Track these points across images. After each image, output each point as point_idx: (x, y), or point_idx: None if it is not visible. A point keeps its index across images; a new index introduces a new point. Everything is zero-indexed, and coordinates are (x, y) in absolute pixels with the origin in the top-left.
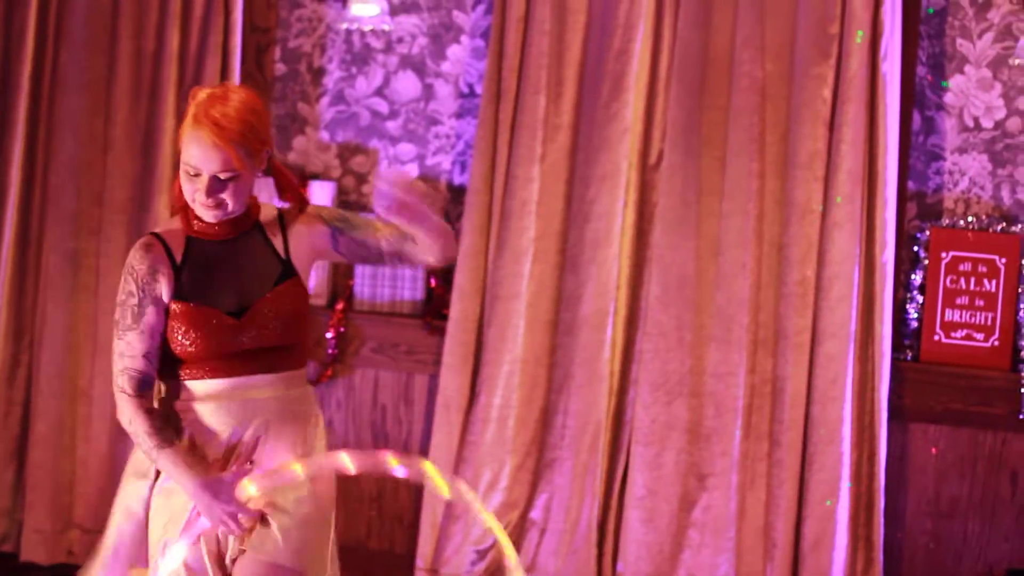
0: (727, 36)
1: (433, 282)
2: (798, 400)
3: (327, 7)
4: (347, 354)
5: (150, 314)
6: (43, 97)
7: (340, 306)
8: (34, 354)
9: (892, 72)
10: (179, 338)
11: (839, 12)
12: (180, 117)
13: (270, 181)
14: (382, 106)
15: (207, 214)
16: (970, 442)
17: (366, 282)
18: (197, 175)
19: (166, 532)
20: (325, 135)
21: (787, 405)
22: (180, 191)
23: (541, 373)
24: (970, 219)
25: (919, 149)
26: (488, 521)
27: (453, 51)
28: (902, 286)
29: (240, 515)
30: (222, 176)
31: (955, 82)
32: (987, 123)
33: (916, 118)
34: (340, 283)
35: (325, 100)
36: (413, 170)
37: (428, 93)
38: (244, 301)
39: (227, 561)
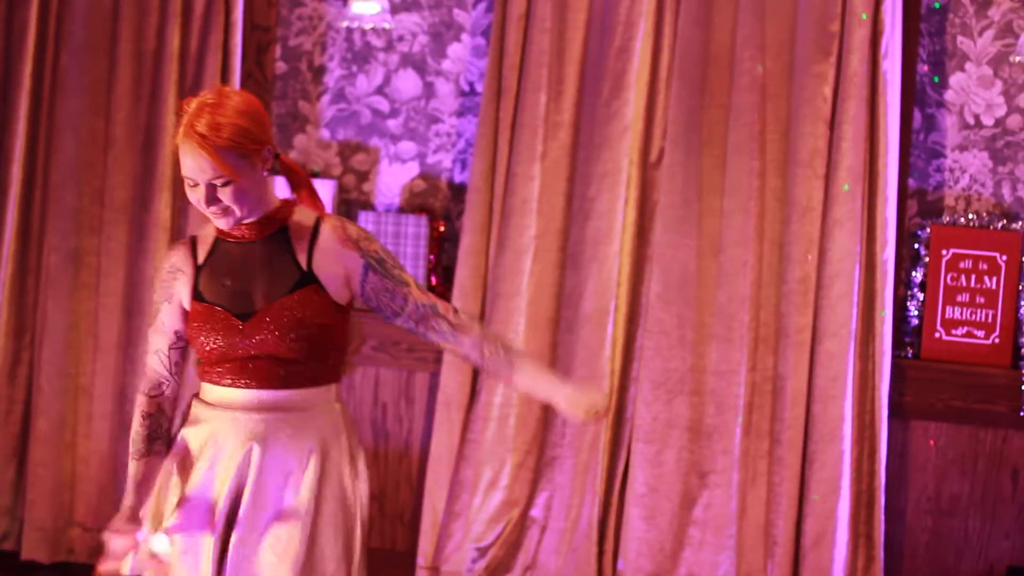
0: (728, 34)
1: (434, 280)
2: (799, 398)
3: (328, 5)
4: (348, 352)
5: (164, 312)
6: (44, 96)
7: None
8: (35, 352)
9: (893, 70)
10: (194, 336)
11: (839, 10)
12: (180, 116)
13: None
14: (383, 104)
15: (219, 222)
16: (971, 439)
17: None
18: (195, 185)
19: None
20: (326, 133)
21: (788, 403)
22: None
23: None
24: (971, 216)
25: (920, 147)
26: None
27: (454, 49)
28: (903, 283)
29: (107, 551)
30: (217, 183)
31: (956, 79)
32: (988, 120)
33: (917, 115)
34: None
35: (326, 98)
36: (414, 168)
37: (429, 91)
38: (254, 304)
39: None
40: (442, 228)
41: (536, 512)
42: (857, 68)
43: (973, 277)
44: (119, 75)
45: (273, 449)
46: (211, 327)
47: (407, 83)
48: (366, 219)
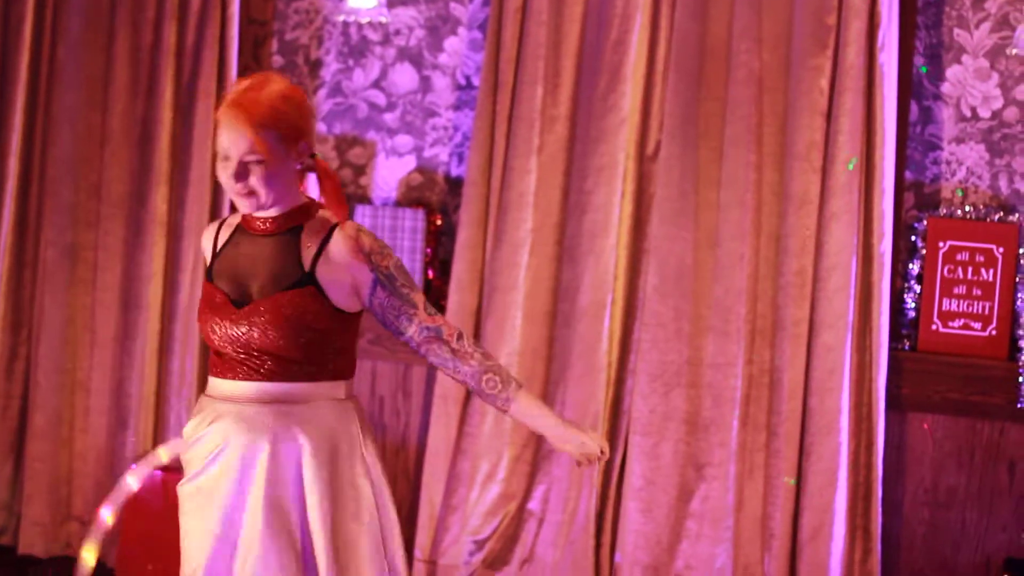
0: (724, 27)
1: (431, 274)
2: (796, 390)
3: None
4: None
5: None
6: (40, 90)
7: None
8: (32, 347)
9: (889, 62)
10: (199, 316)
11: (836, 3)
12: (177, 110)
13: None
14: (379, 98)
15: (241, 204)
16: (968, 431)
17: None
18: (227, 159)
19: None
20: (323, 127)
21: (785, 396)
22: None
23: (539, 364)
24: (968, 209)
25: (916, 139)
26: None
27: (450, 43)
28: (900, 276)
29: None
30: (248, 160)
31: (953, 72)
32: (984, 113)
33: (913, 108)
34: None
35: (322, 92)
36: (411, 162)
37: (425, 85)
38: (252, 295)
39: None
40: (439, 222)
41: (533, 505)
42: (854, 61)
43: (970, 269)
44: (116, 69)
45: (278, 440)
46: (211, 309)
47: (404, 77)
48: (363, 213)
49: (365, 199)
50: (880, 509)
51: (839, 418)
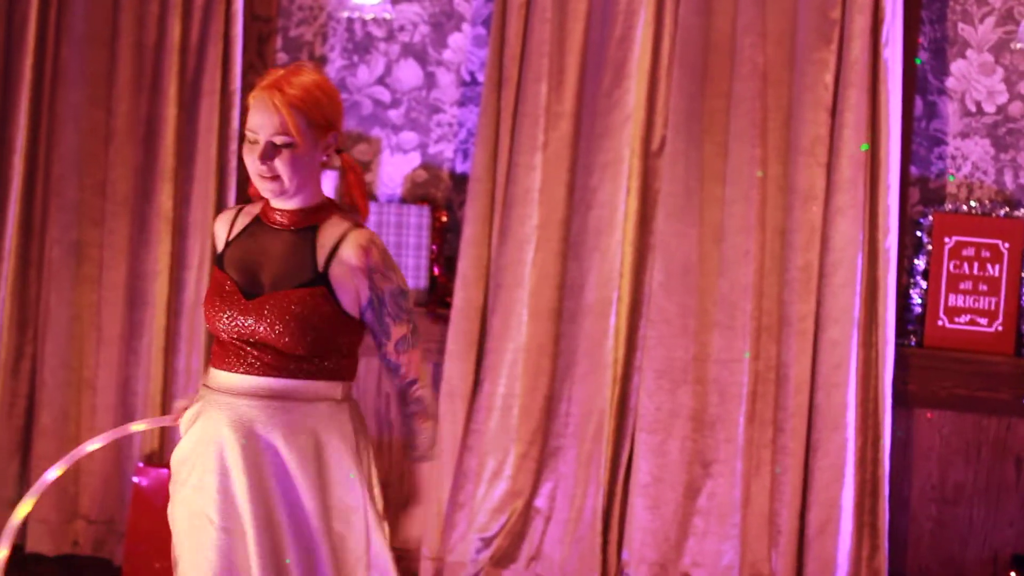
0: (728, 22)
1: (436, 270)
2: (802, 387)
3: None
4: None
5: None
6: (45, 88)
7: None
8: (38, 345)
9: (894, 57)
10: (205, 303)
11: None
12: (182, 107)
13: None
14: (384, 95)
15: (264, 187)
16: (974, 427)
17: None
18: (255, 142)
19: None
20: None
21: (791, 392)
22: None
23: (545, 361)
24: (973, 204)
25: (921, 134)
26: None
27: (454, 39)
28: (905, 271)
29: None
30: (277, 141)
31: (957, 67)
32: (989, 108)
33: (918, 103)
34: None
35: (323, 81)
36: (415, 159)
37: (430, 81)
38: (263, 288)
39: None
40: (444, 218)
41: (540, 502)
42: (858, 55)
43: (976, 265)
44: (120, 67)
45: (264, 435)
46: (220, 297)
47: (408, 73)
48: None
49: (370, 196)
50: (887, 505)
51: (846, 414)
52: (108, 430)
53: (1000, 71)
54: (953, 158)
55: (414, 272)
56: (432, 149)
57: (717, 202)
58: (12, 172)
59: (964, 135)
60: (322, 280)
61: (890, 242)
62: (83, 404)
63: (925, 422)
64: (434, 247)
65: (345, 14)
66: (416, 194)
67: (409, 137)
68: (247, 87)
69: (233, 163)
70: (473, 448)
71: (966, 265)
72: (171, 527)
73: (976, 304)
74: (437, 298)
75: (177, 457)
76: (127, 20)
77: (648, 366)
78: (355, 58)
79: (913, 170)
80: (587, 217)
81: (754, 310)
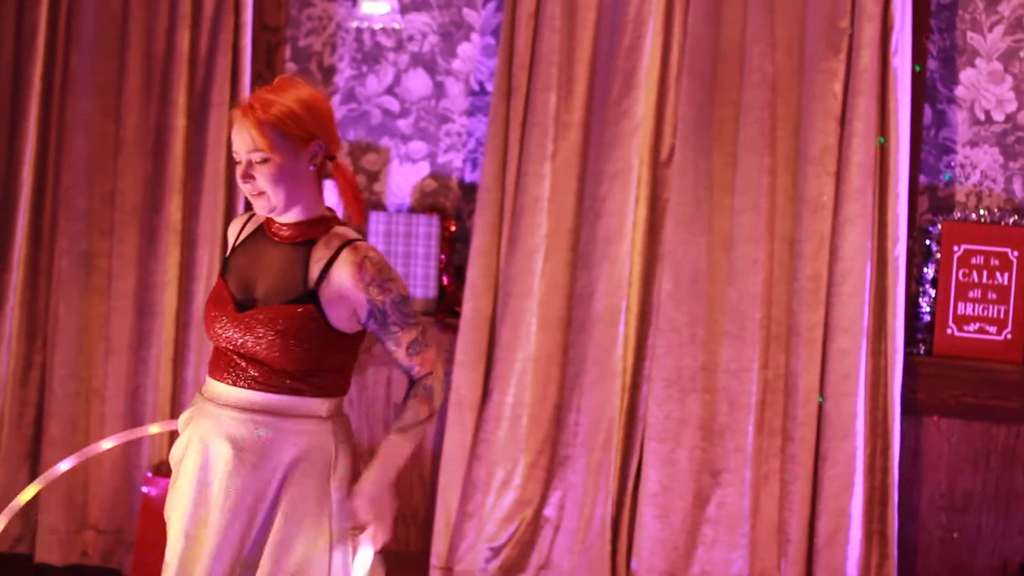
0: (737, 31)
1: (445, 280)
2: (811, 396)
3: (337, 5)
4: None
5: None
6: (54, 98)
7: None
8: (47, 355)
9: (903, 66)
10: (205, 311)
11: (849, 6)
12: (191, 117)
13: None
14: (393, 104)
15: (256, 205)
16: (984, 436)
17: None
18: (239, 162)
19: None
20: None
21: (800, 400)
22: None
23: (554, 370)
24: (982, 212)
25: (930, 143)
26: None
27: (464, 49)
28: (914, 280)
29: None
30: (254, 159)
31: (966, 75)
32: (998, 116)
33: (927, 112)
34: None
35: (336, 99)
36: (424, 168)
37: (439, 91)
38: (255, 302)
39: None
40: (453, 228)
41: (549, 511)
42: (867, 64)
43: (985, 273)
44: (129, 77)
45: (247, 450)
46: (216, 306)
47: (417, 83)
48: (377, 220)
49: (379, 205)
50: (896, 513)
51: (855, 423)
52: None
53: (1009, 80)
54: (962, 167)
55: (423, 282)
56: (441, 159)
57: (726, 211)
58: (21, 182)
59: (973, 144)
60: (311, 298)
61: (899, 251)
62: (92, 414)
63: (934, 430)
64: (443, 257)
65: (354, 24)
66: (425, 204)
67: (418, 147)
68: None
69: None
70: (482, 458)
71: (975, 273)
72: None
73: (985, 312)
74: (446, 308)
75: (173, 458)
76: (136, 30)
77: (657, 375)
78: (364, 68)
79: (922, 179)
80: (596, 226)
81: (763, 319)
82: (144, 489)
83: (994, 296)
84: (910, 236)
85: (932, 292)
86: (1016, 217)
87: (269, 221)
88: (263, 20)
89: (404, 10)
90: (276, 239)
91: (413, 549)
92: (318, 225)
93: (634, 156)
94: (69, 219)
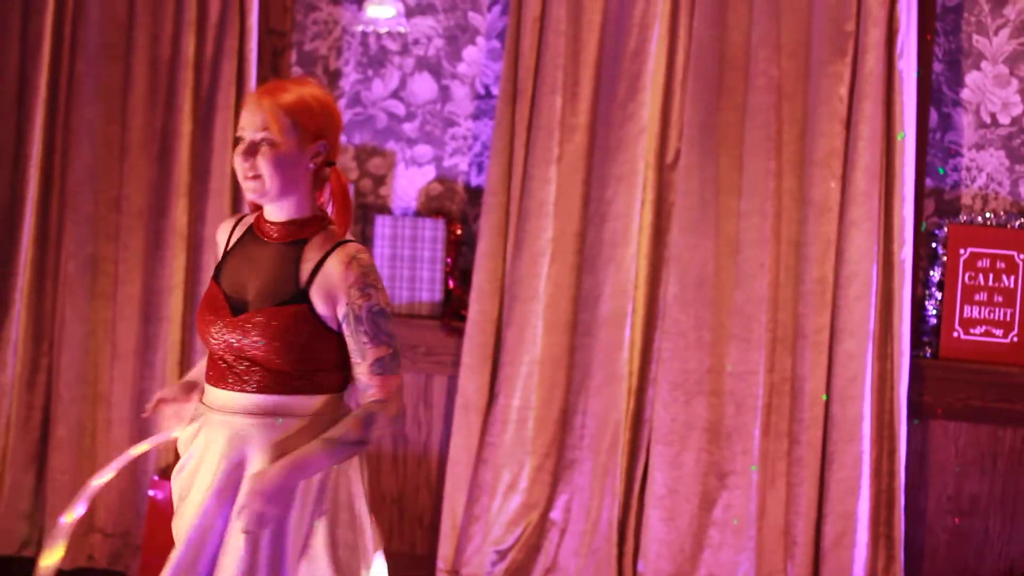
0: (743, 35)
1: (451, 284)
2: (817, 398)
3: (343, 10)
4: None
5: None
6: (60, 103)
7: None
8: (53, 359)
9: (908, 69)
10: (198, 316)
11: (855, 10)
12: (196, 122)
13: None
14: (398, 108)
15: (247, 188)
16: (990, 439)
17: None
18: (241, 140)
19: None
20: (342, 137)
21: (806, 403)
22: None
23: (560, 374)
24: (988, 215)
25: (936, 146)
26: None
27: (469, 52)
28: (920, 283)
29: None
30: (257, 138)
31: (972, 78)
32: (1004, 119)
33: (933, 115)
34: None
35: (342, 103)
36: (430, 172)
37: (444, 95)
38: (249, 304)
39: None
40: (459, 231)
41: (555, 515)
42: (873, 67)
43: (991, 276)
44: (134, 82)
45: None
46: (210, 311)
47: (423, 86)
48: (383, 223)
49: (385, 209)
50: (903, 517)
51: (861, 426)
52: (125, 447)
53: (1015, 83)
54: (968, 170)
55: (429, 285)
56: (447, 162)
57: (732, 214)
58: (28, 186)
59: (979, 147)
60: (303, 297)
61: (905, 254)
62: (98, 418)
63: (941, 433)
64: (449, 260)
65: (360, 28)
66: (431, 207)
67: (424, 150)
68: None
69: None
70: (488, 461)
71: (981, 276)
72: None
73: (991, 315)
74: (452, 311)
75: (178, 475)
76: (142, 36)
77: (663, 378)
78: (370, 72)
79: (928, 182)
80: (602, 229)
81: (769, 322)
82: (151, 492)
83: (1000, 299)
84: (916, 239)
85: (938, 295)
86: (1022, 220)
87: (260, 222)
88: (268, 24)
89: (409, 14)
90: (266, 239)
91: (419, 552)
92: (309, 225)
93: (640, 159)
94: (75, 223)
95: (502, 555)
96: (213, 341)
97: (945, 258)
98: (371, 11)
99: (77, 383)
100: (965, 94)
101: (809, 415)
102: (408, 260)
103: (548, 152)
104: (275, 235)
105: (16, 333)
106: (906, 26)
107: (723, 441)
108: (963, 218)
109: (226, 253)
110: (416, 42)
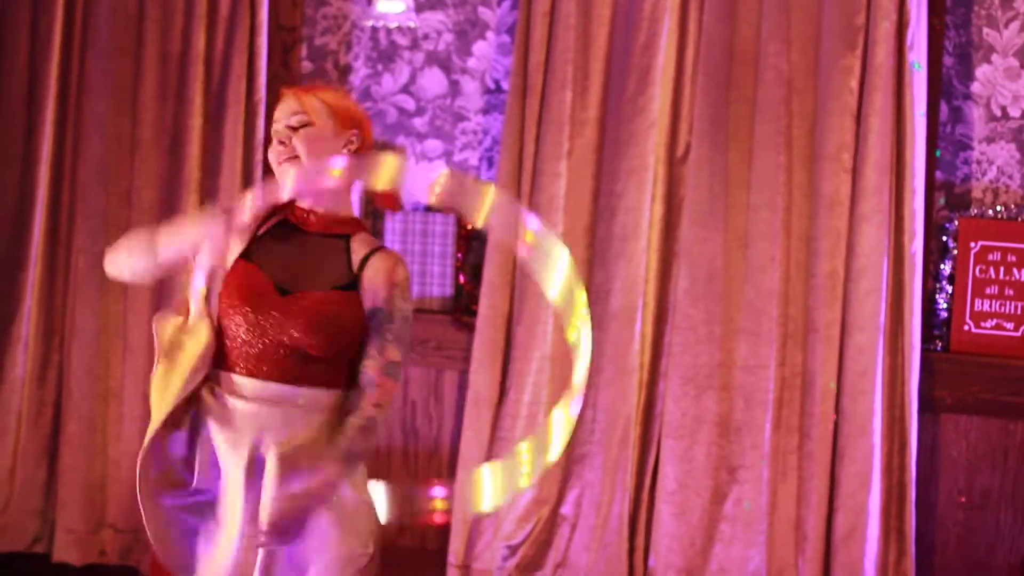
0: (753, 28)
1: (462, 278)
2: (828, 393)
3: (352, 4)
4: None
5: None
6: (70, 98)
7: None
8: (64, 354)
9: (919, 62)
10: (225, 303)
11: (865, 3)
12: (206, 117)
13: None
14: (408, 103)
15: (285, 170)
16: (1001, 432)
17: None
18: (277, 132)
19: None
20: None
21: (817, 398)
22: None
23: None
24: (999, 208)
25: (947, 139)
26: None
27: (479, 47)
28: (931, 276)
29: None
30: (293, 123)
31: (982, 71)
32: (1015, 112)
33: (943, 108)
34: None
35: (352, 97)
36: (440, 167)
37: (454, 89)
38: (297, 286)
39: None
40: (469, 226)
41: (566, 509)
42: (883, 61)
43: (1002, 269)
44: (145, 77)
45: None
46: (248, 291)
47: (432, 81)
48: (394, 218)
49: (395, 207)
50: (914, 511)
51: (872, 420)
52: (136, 442)
53: None
54: (979, 163)
55: (440, 280)
56: (457, 157)
57: (742, 208)
58: (38, 181)
59: (990, 140)
60: (356, 284)
61: (916, 247)
62: (109, 414)
63: (952, 427)
64: (459, 255)
65: (369, 23)
66: None
67: (434, 145)
68: (272, 97)
69: (258, 173)
70: (499, 456)
71: (992, 270)
72: None
73: (1002, 308)
74: (463, 306)
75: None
76: (152, 31)
77: (674, 372)
78: (379, 67)
79: (939, 175)
80: (612, 224)
81: (780, 316)
82: None
83: (1011, 292)
84: (927, 232)
85: (949, 289)
86: None
87: (297, 212)
88: (279, 20)
89: (419, 8)
90: (305, 228)
91: (430, 547)
92: (350, 223)
93: (650, 153)
94: (86, 218)
95: (513, 550)
96: (247, 325)
97: (956, 252)
98: (381, 6)
99: (88, 379)
100: (975, 87)
101: (820, 409)
102: (419, 255)
103: (558, 147)
104: (314, 224)
105: (27, 329)
106: (916, 19)
107: (733, 435)
108: (974, 211)
109: (256, 238)
110: (426, 37)
